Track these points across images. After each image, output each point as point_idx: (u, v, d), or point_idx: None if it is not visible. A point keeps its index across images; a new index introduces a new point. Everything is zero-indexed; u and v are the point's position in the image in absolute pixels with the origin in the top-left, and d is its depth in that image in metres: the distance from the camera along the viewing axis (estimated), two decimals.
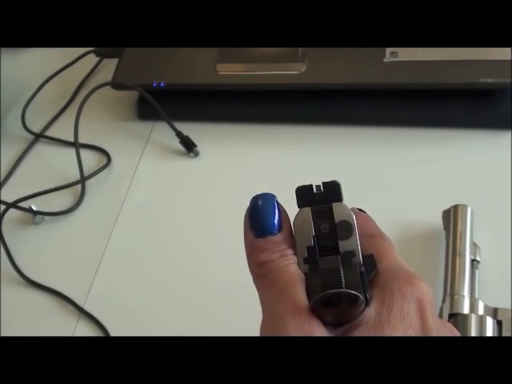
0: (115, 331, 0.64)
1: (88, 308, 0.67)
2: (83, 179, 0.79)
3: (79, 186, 0.79)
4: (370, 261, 0.37)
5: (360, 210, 0.41)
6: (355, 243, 0.37)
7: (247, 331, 0.55)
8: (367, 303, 0.34)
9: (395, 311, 0.34)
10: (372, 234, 0.39)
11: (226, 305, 0.66)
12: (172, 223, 0.74)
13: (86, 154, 0.82)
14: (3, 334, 0.64)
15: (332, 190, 0.39)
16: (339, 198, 0.39)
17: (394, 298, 0.34)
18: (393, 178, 0.74)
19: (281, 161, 0.78)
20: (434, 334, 0.35)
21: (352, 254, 0.36)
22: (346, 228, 0.38)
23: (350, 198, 0.71)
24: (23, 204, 0.75)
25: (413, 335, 0.34)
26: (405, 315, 0.34)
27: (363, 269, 0.35)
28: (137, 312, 0.66)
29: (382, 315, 0.34)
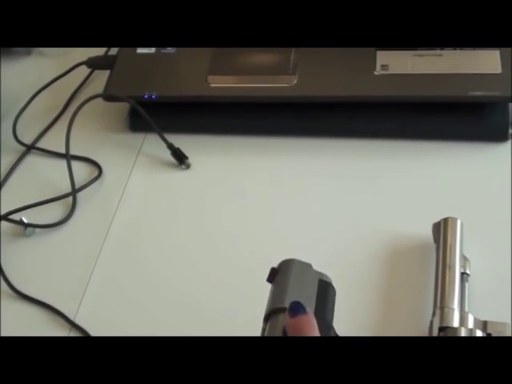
0: None
1: (79, 321, 0.66)
2: (74, 191, 0.79)
3: (70, 198, 0.78)
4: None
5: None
6: None
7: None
8: None
9: None
10: None
11: (219, 320, 0.66)
12: (164, 236, 0.74)
13: (77, 166, 0.82)
14: None
15: None
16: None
17: None
18: (383, 190, 0.74)
19: (273, 172, 0.78)
20: None
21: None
22: None
23: (340, 209, 0.73)
24: (14, 216, 0.75)
25: None
26: None
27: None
28: (128, 325, 0.66)
29: None
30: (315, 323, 0.43)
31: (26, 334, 0.66)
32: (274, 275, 0.50)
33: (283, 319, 0.44)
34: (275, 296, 0.48)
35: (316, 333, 0.43)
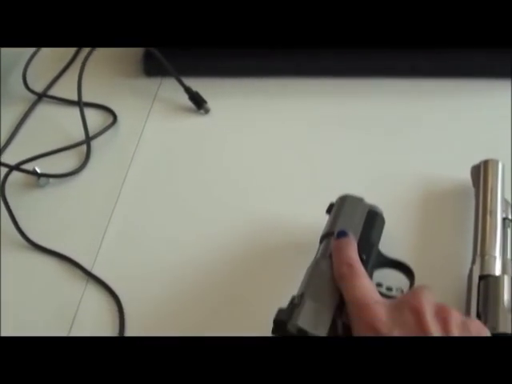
0: (124, 295, 0.61)
1: (96, 272, 0.64)
2: (88, 139, 0.76)
3: (84, 147, 0.75)
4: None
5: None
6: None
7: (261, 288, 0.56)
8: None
9: (397, 321, 0.46)
10: None
11: (239, 261, 0.63)
12: (182, 183, 0.71)
13: (90, 114, 0.79)
14: (11, 301, 0.61)
15: None
16: None
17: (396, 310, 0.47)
18: (418, 132, 0.71)
19: (294, 115, 0.75)
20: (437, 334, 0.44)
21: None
22: None
23: (376, 152, 0.69)
24: (27, 166, 0.72)
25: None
26: (402, 324, 0.46)
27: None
28: (146, 274, 0.63)
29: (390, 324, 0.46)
30: (354, 244, 0.55)
31: (43, 287, 0.63)
32: (331, 208, 0.61)
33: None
34: (328, 224, 0.59)
35: (353, 251, 0.54)
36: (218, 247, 0.65)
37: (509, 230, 0.60)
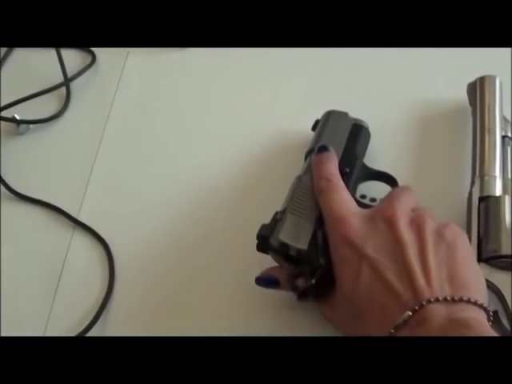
0: (112, 240, 0.60)
1: (82, 219, 0.62)
2: (67, 81, 0.72)
3: (64, 89, 0.72)
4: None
5: None
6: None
7: (248, 231, 0.53)
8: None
9: (371, 231, 0.47)
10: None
11: (225, 205, 0.62)
12: (165, 122, 0.69)
13: (68, 55, 0.75)
14: None
15: None
16: None
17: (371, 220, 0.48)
18: (410, 52, 0.68)
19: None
20: (411, 241, 0.45)
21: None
22: None
23: (367, 75, 0.66)
24: (5, 113, 0.69)
25: (386, 246, 0.45)
26: (376, 234, 0.47)
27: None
28: (133, 218, 0.62)
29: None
30: (335, 158, 0.55)
31: (29, 236, 0.62)
32: (317, 125, 0.61)
33: None
34: (313, 140, 0.59)
35: (333, 166, 0.54)
36: (204, 183, 0.63)
37: (508, 149, 0.58)
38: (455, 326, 0.41)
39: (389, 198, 0.50)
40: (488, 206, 0.54)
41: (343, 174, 0.54)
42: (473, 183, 0.56)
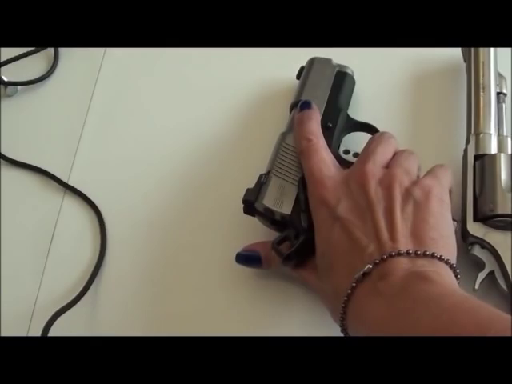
0: (103, 204, 0.60)
1: (73, 183, 0.61)
2: None
3: (52, 50, 0.71)
4: None
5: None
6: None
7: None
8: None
9: (344, 192, 0.49)
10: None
11: (215, 163, 0.61)
12: (159, 81, 0.67)
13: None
14: None
15: None
16: None
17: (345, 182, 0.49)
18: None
19: None
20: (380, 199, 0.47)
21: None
22: None
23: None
24: None
25: (357, 206, 0.47)
26: (348, 195, 0.48)
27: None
28: (123, 182, 0.61)
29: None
30: (317, 116, 0.55)
31: (19, 201, 0.61)
32: (301, 73, 0.60)
33: None
34: (296, 91, 0.59)
35: (314, 124, 0.54)
36: (193, 141, 0.63)
37: (503, 106, 0.57)
38: (415, 279, 0.42)
39: (364, 155, 0.51)
40: (483, 164, 0.53)
41: (326, 129, 0.55)
42: (468, 141, 0.55)
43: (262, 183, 0.53)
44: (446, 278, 0.43)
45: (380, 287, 0.42)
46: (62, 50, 0.70)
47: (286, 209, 0.51)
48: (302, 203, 0.51)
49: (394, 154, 0.51)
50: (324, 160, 0.51)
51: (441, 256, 0.43)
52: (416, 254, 0.43)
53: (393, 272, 0.43)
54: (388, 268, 0.43)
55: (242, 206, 0.53)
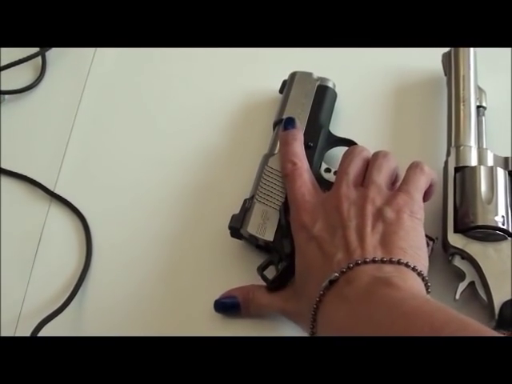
0: (89, 213, 0.60)
1: (59, 191, 0.62)
2: (42, 50, 0.71)
3: (39, 59, 0.71)
4: None
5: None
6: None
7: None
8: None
9: (321, 214, 0.51)
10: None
11: (201, 177, 0.62)
12: (142, 93, 0.68)
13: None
14: None
15: None
16: None
17: (322, 205, 0.52)
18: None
19: None
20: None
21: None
22: None
23: (341, 48, 0.66)
24: None
25: (331, 225, 0.49)
26: (326, 216, 0.50)
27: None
28: (109, 190, 0.62)
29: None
30: (300, 135, 0.56)
31: (6, 210, 0.61)
32: (284, 87, 0.61)
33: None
34: (278, 108, 0.60)
35: (298, 146, 0.55)
36: (180, 155, 0.63)
37: (483, 119, 0.58)
38: (379, 284, 0.43)
39: (338, 177, 0.52)
40: (464, 176, 0.54)
41: (308, 148, 0.56)
42: (448, 153, 0.56)
43: (246, 209, 0.54)
44: (411, 283, 0.44)
45: (345, 292, 0.44)
46: (50, 60, 0.71)
47: (269, 235, 0.53)
48: (283, 229, 0.52)
49: (368, 163, 0.52)
50: (306, 184, 0.53)
51: (407, 263, 0.45)
52: (382, 261, 0.45)
53: (358, 278, 0.44)
54: (354, 275, 0.45)
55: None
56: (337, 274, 0.45)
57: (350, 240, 0.47)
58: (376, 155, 0.52)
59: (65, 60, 0.71)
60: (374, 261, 0.45)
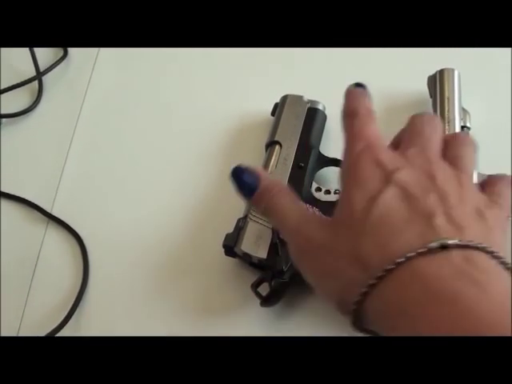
0: (86, 234, 0.61)
1: (56, 213, 0.63)
2: (39, 75, 0.73)
3: (36, 83, 0.73)
4: None
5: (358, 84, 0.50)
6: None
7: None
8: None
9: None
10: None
11: (196, 196, 0.63)
12: (137, 115, 0.69)
13: (40, 48, 0.75)
14: None
15: None
16: None
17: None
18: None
19: None
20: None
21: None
22: None
23: (331, 71, 0.67)
24: None
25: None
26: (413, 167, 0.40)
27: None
28: (106, 212, 0.63)
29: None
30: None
31: (3, 232, 0.63)
32: (275, 109, 0.63)
33: (277, 150, 0.60)
34: (271, 131, 0.62)
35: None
36: (176, 178, 0.64)
37: None
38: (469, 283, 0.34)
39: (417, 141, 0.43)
40: None
41: (299, 168, 0.58)
42: None
43: (239, 228, 0.56)
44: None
45: (449, 271, 0.34)
46: (46, 84, 0.72)
47: (262, 253, 0.54)
48: (276, 247, 0.54)
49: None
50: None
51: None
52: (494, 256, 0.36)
53: (481, 261, 0.35)
54: (476, 255, 0.35)
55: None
56: (451, 241, 0.35)
57: (454, 212, 0.37)
58: (456, 142, 0.44)
59: (61, 84, 0.73)
60: (486, 251, 0.35)
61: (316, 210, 0.55)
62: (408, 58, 0.68)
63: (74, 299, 0.57)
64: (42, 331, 0.55)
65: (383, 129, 0.63)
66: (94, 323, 0.57)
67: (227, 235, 0.56)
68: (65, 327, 0.55)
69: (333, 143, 0.63)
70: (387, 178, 0.39)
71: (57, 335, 0.55)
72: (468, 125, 0.60)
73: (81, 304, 0.57)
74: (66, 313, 0.56)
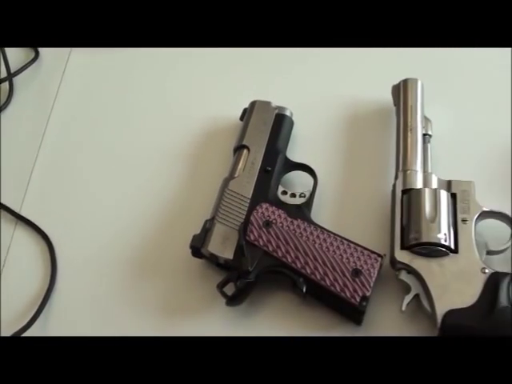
0: (54, 235, 0.62)
1: (25, 213, 0.63)
2: (10, 76, 0.73)
3: (7, 84, 0.73)
4: None
5: None
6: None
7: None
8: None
9: None
10: None
11: (163, 196, 0.64)
12: (107, 117, 0.70)
13: (11, 49, 0.75)
14: None
15: None
16: None
17: None
18: (340, 55, 0.71)
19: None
20: None
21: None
22: None
23: (299, 78, 0.69)
24: None
25: None
26: None
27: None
28: (75, 213, 0.63)
29: None
30: None
31: None
32: (244, 114, 0.64)
33: (245, 154, 0.61)
34: (239, 135, 0.63)
35: None
36: (143, 180, 0.65)
37: (429, 146, 0.61)
38: None
39: None
40: (410, 197, 0.57)
41: (265, 172, 0.59)
42: (396, 177, 0.59)
43: (206, 229, 0.57)
44: None
45: None
46: (17, 85, 0.73)
47: (229, 253, 0.55)
48: (242, 248, 0.55)
49: None
50: None
51: None
52: None
53: None
54: None
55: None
56: None
57: None
58: None
59: (32, 85, 0.73)
60: None
61: (282, 213, 0.57)
62: (373, 67, 0.69)
63: (41, 300, 0.57)
64: (9, 331, 0.55)
65: (348, 136, 0.65)
66: (61, 323, 0.57)
67: (194, 236, 0.57)
68: (32, 327, 0.55)
69: (299, 148, 0.64)
70: None
71: (23, 335, 0.55)
72: (429, 132, 0.62)
73: (48, 304, 0.57)
74: (32, 313, 0.56)
